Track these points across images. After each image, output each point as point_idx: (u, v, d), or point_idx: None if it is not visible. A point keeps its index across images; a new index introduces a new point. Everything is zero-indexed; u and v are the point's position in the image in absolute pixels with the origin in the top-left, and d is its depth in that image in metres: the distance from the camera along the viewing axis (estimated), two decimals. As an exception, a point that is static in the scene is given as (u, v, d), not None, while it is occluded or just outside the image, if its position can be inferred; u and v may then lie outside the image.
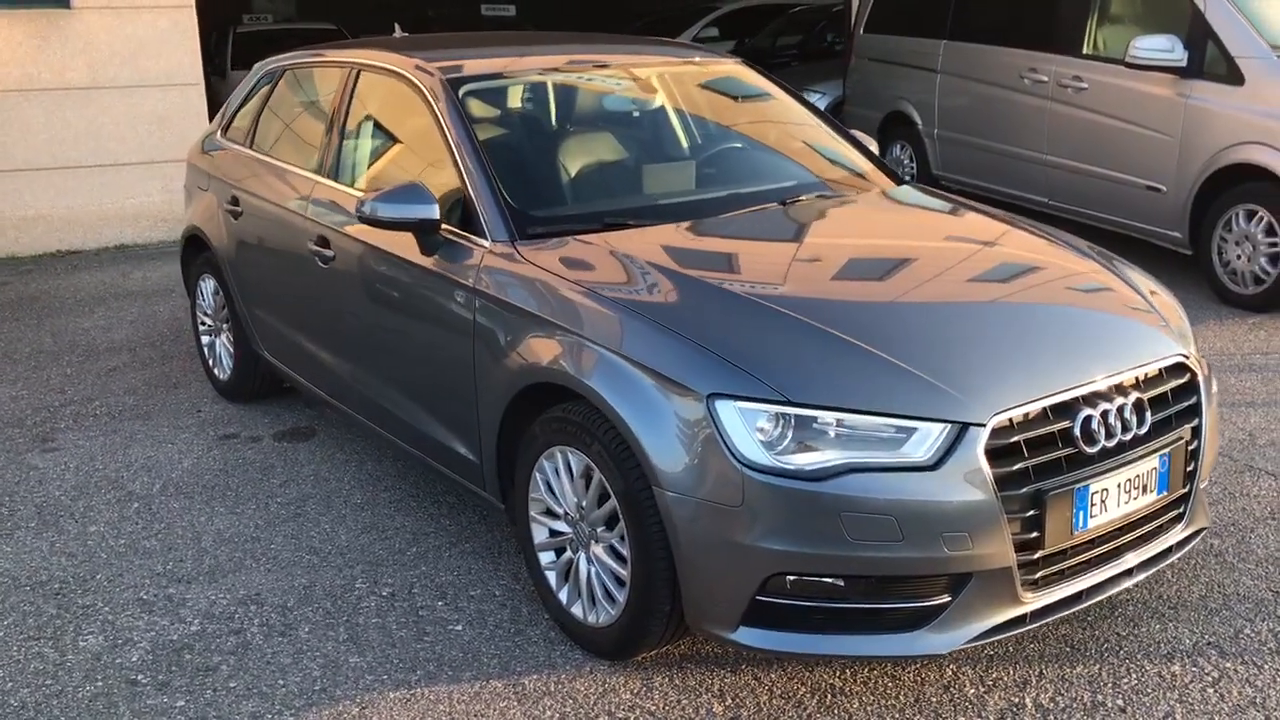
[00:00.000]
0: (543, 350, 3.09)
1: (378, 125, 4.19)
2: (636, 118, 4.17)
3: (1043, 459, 2.72)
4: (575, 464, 3.04)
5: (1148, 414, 2.91)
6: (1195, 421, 3.07)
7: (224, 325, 5.12)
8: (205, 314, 5.28)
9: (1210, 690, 2.94)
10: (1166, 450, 2.95)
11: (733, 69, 4.49)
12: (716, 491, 2.68)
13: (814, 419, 2.66)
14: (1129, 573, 2.96)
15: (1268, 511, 3.89)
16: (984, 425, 2.65)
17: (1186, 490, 3.07)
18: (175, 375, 5.62)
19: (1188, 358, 3.10)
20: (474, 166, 3.53)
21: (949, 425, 2.65)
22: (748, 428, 2.66)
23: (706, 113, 4.32)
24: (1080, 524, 2.77)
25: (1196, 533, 3.18)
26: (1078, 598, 2.86)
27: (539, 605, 3.39)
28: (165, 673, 3.14)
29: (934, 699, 2.93)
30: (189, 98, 8.53)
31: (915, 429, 2.65)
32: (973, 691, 2.96)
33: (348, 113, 4.22)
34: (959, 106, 8.38)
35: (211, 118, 8.62)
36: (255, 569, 3.70)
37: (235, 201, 4.77)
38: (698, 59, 4.52)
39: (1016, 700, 2.92)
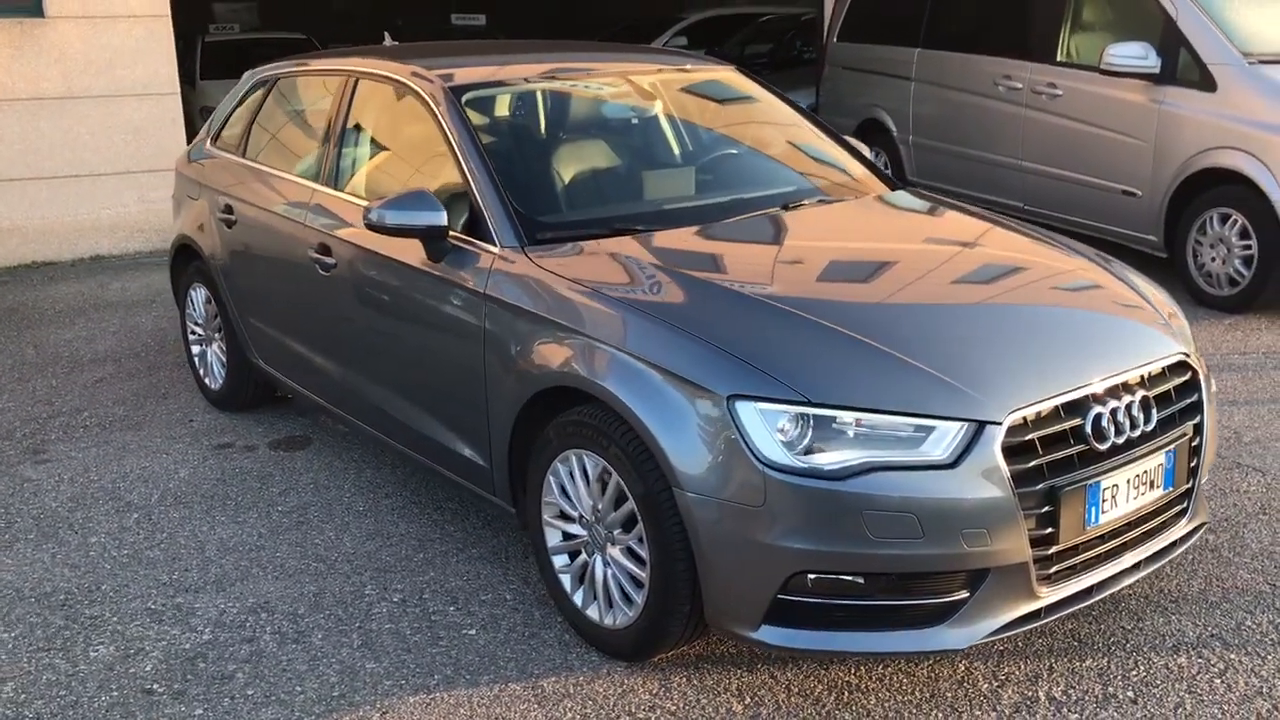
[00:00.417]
0: (557, 354, 3.11)
1: (378, 133, 4.20)
2: (636, 124, 4.21)
3: (1056, 456, 2.78)
4: (591, 467, 3.07)
5: (1154, 411, 2.98)
6: (1197, 419, 3.15)
7: (216, 335, 5.10)
8: (196, 324, 5.26)
9: (1217, 681, 3.00)
10: (1172, 446, 3.02)
11: (726, 75, 4.54)
12: (738, 492, 2.71)
13: (833, 419, 2.70)
14: (1136, 567, 3.03)
15: (1258, 507, 3.97)
16: (1000, 423, 2.71)
17: (1190, 486, 3.15)
18: (164, 386, 5.58)
19: (1189, 356, 3.17)
20: (480, 173, 3.55)
21: (966, 424, 2.70)
22: (768, 428, 2.70)
23: (704, 119, 4.37)
24: (1092, 519, 2.83)
25: (1198, 527, 3.25)
26: (1089, 592, 2.92)
27: (551, 609, 3.41)
28: (180, 682, 3.13)
29: (949, 694, 2.98)
30: (165, 107, 8.48)
31: (933, 428, 2.69)
32: (986, 686, 3.01)
33: (346, 121, 4.22)
34: (934, 114, 8.48)
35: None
36: (262, 577, 3.69)
37: (229, 210, 4.75)
38: (689, 65, 4.56)
39: (1030, 694, 2.97)
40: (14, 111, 8.12)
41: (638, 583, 3.00)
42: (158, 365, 5.91)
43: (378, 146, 4.20)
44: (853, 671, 3.08)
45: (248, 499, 4.28)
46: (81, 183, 8.38)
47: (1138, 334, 3.14)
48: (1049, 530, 2.76)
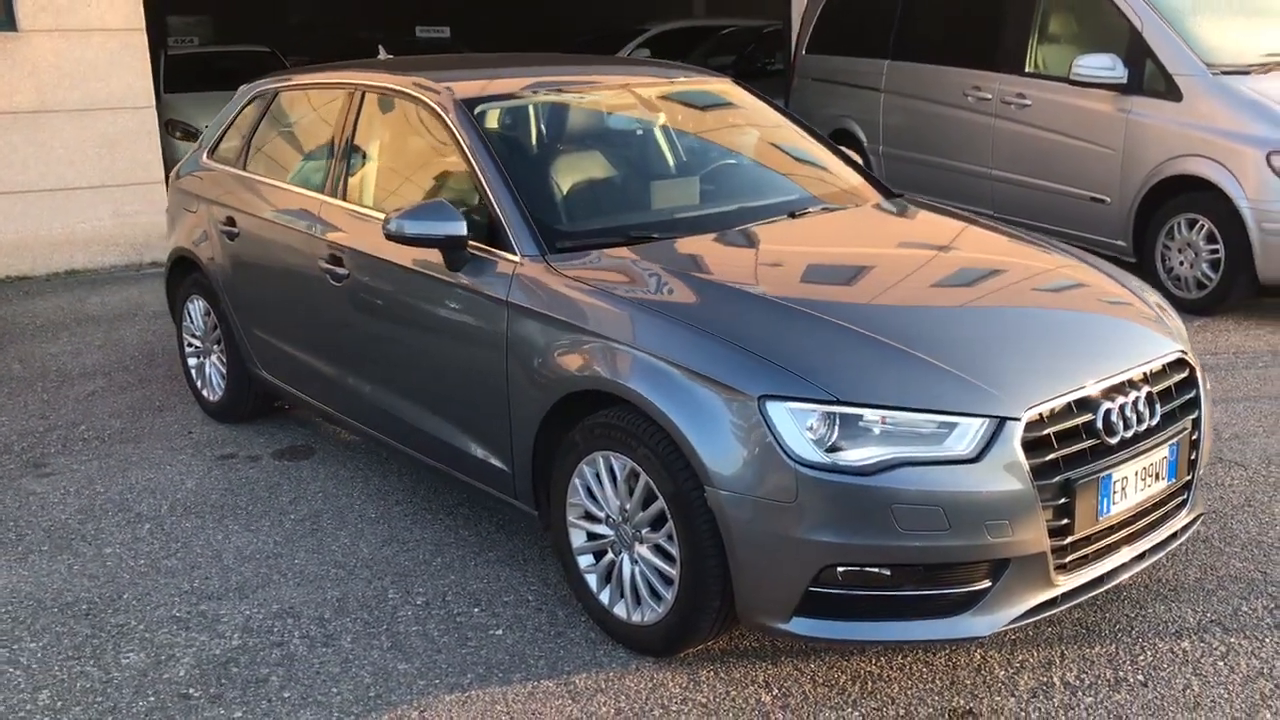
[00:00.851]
0: (585, 360, 3.20)
1: (388, 145, 4.27)
2: (642, 135, 4.31)
3: (1070, 450, 2.91)
4: (618, 468, 3.15)
5: (1157, 407, 3.12)
6: (1195, 414, 3.30)
7: (215, 346, 5.13)
8: (194, 335, 5.28)
9: (1221, 664, 3.15)
10: (1175, 440, 3.16)
11: (723, 87, 4.66)
12: (770, 489, 2.81)
13: (860, 417, 2.82)
14: (1142, 556, 3.17)
15: (1242, 499, 4.14)
16: (1019, 419, 2.83)
17: (1190, 478, 3.29)
18: (158, 398, 5.59)
19: (1186, 354, 3.33)
20: (497, 184, 3.63)
21: (988, 420, 2.82)
22: (798, 427, 2.81)
23: (706, 130, 4.48)
24: (1104, 510, 2.97)
25: (1197, 518, 3.40)
26: (1100, 580, 3.05)
27: (574, 608, 3.49)
28: (216, 686, 3.18)
29: (968, 681, 3.09)
30: (140, 120, 8.46)
31: (956, 424, 2.81)
32: (1002, 673, 3.13)
33: (355, 133, 4.29)
34: (904, 124, 8.66)
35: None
36: (283, 584, 3.74)
37: (231, 222, 4.79)
38: (688, 77, 4.68)
39: (1045, 679, 3.09)
40: (-13, 125, 8.08)
41: (667, 579, 3.09)
42: (149, 378, 5.91)
43: (388, 158, 4.26)
44: (874, 661, 3.19)
45: (258, 508, 4.32)
46: (56, 196, 8.34)
47: (1140, 334, 3.28)
48: (1065, 521, 2.88)
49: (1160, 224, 6.70)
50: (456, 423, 3.75)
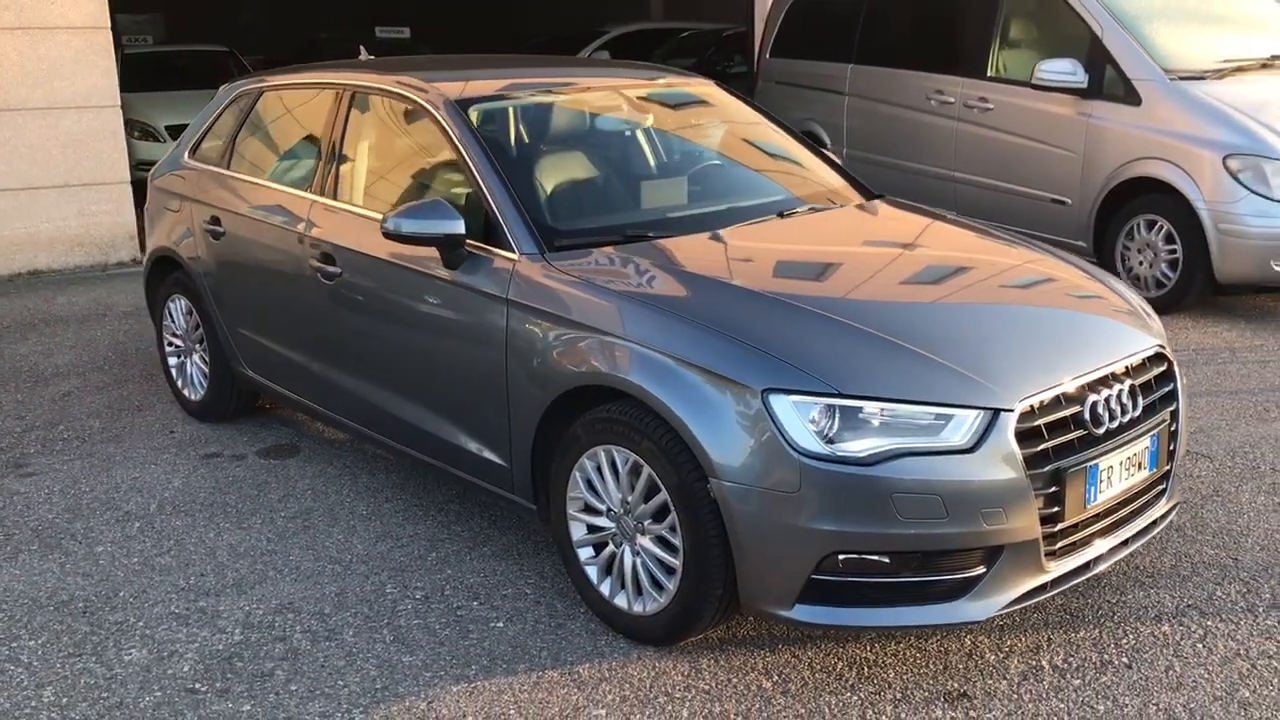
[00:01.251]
0: (587, 355, 3.26)
1: (379, 145, 4.30)
2: (630, 135, 4.38)
3: (1060, 440, 3.02)
4: (620, 461, 3.22)
5: (1140, 399, 3.24)
6: (1173, 406, 3.42)
7: (197, 345, 5.12)
8: (174, 335, 5.27)
9: (1200, 646, 3.27)
10: (1155, 431, 3.29)
11: (707, 90, 4.74)
12: (775, 479, 2.90)
13: (860, 409, 2.91)
14: (1125, 543, 3.29)
15: (1211, 489, 4.29)
16: (1013, 410, 2.94)
17: (1169, 468, 3.42)
18: (136, 398, 5.57)
19: (1164, 348, 3.46)
20: (494, 183, 3.69)
21: (983, 412, 2.92)
22: (801, 419, 2.89)
23: (692, 131, 4.56)
24: (1092, 498, 3.08)
25: (1174, 506, 3.53)
26: (1087, 567, 3.16)
27: (572, 600, 3.55)
28: (222, 680, 3.20)
29: (960, 665, 3.20)
30: (105, 120, 8.39)
31: (953, 416, 2.91)
32: (993, 658, 3.23)
33: (345, 133, 4.32)
34: (867, 127, 8.80)
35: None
36: (280, 580, 3.76)
37: (216, 221, 4.80)
38: (672, 79, 4.75)
39: (1034, 663, 3.20)
40: (-51, 124, 7.98)
41: (669, 570, 3.17)
42: (125, 378, 5.89)
43: (379, 158, 4.30)
44: (868, 649, 3.28)
45: (248, 506, 4.34)
46: (19, 196, 8.25)
47: (1122, 329, 3.41)
48: (1056, 509, 2.99)
49: (1120, 225, 6.88)
50: (452, 419, 3.79)
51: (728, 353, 3.02)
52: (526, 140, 4.15)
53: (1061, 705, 3.01)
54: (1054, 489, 2.98)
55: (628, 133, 4.40)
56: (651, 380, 3.08)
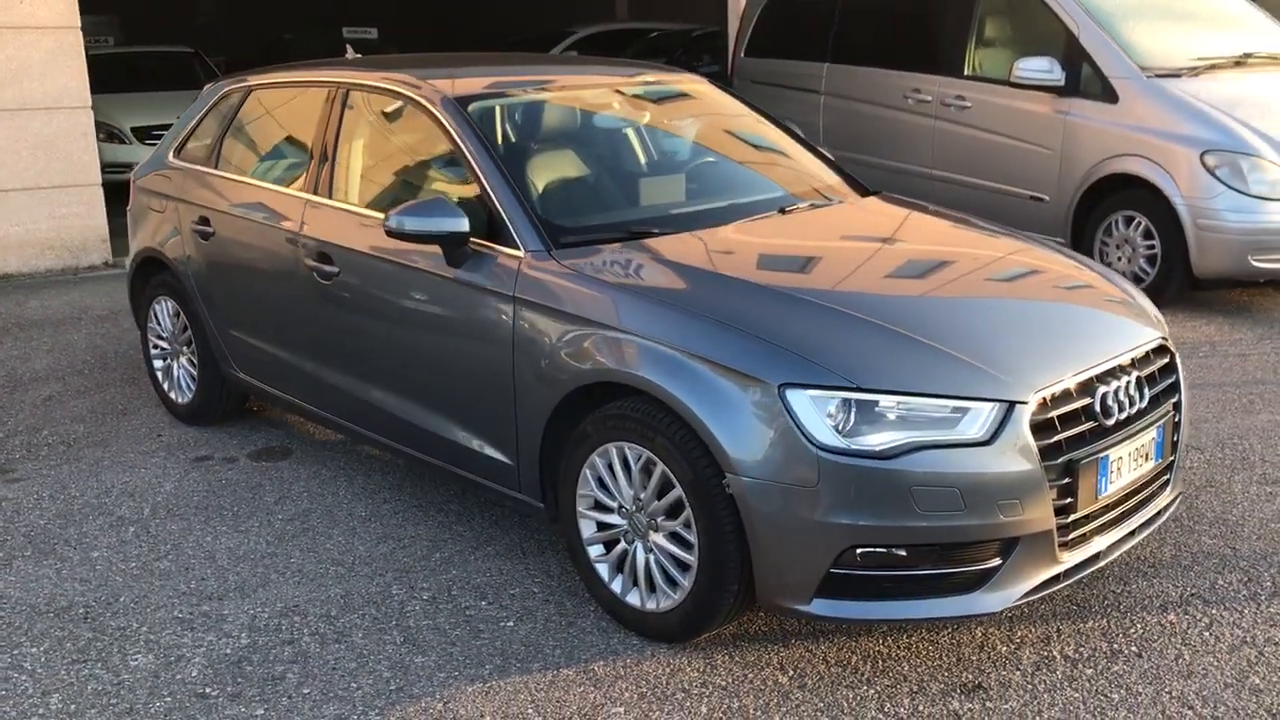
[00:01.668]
0: (598, 352, 3.25)
1: (376, 143, 4.27)
2: (629, 132, 4.38)
3: (1073, 432, 3.04)
4: (633, 458, 3.21)
5: (1146, 390, 3.27)
6: (1176, 397, 3.46)
7: (184, 348, 5.06)
8: (160, 337, 5.20)
9: (1206, 634, 3.31)
10: (1161, 422, 3.32)
11: (701, 87, 4.74)
12: (793, 474, 2.90)
13: (876, 403, 2.92)
14: (1132, 534, 3.32)
15: (1204, 480, 4.34)
16: (1027, 403, 2.96)
17: (1173, 459, 3.46)
18: (119, 402, 5.50)
19: (1166, 340, 3.49)
20: (497, 180, 3.67)
21: (998, 404, 2.94)
22: (819, 413, 2.90)
23: (689, 127, 4.56)
24: (1103, 489, 3.11)
25: (1177, 496, 3.57)
26: (1097, 557, 3.19)
27: (582, 598, 3.53)
28: (232, 684, 3.16)
29: (973, 657, 3.21)
30: (76, 121, 8.27)
31: (969, 408, 2.93)
32: (1004, 649, 3.25)
33: (340, 131, 4.27)
34: (844, 126, 8.83)
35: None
36: (283, 582, 3.72)
37: (205, 221, 4.74)
38: (654, 77, 4.74)
39: (1045, 653, 3.23)
40: (-85, 126, 7.83)
41: (683, 566, 3.16)
42: (106, 382, 5.80)
43: (376, 156, 4.26)
44: (882, 642, 3.29)
45: (244, 509, 4.29)
46: (-12, 199, 8.12)
47: (1127, 322, 3.44)
48: (1069, 500, 3.02)
49: (1098, 221, 6.96)
50: (455, 418, 3.77)
51: (744, 348, 3.02)
52: (526, 137, 4.13)
53: (1076, 695, 3.04)
54: (1067, 480, 3.01)
55: (628, 130, 4.39)
56: (666, 376, 3.08)
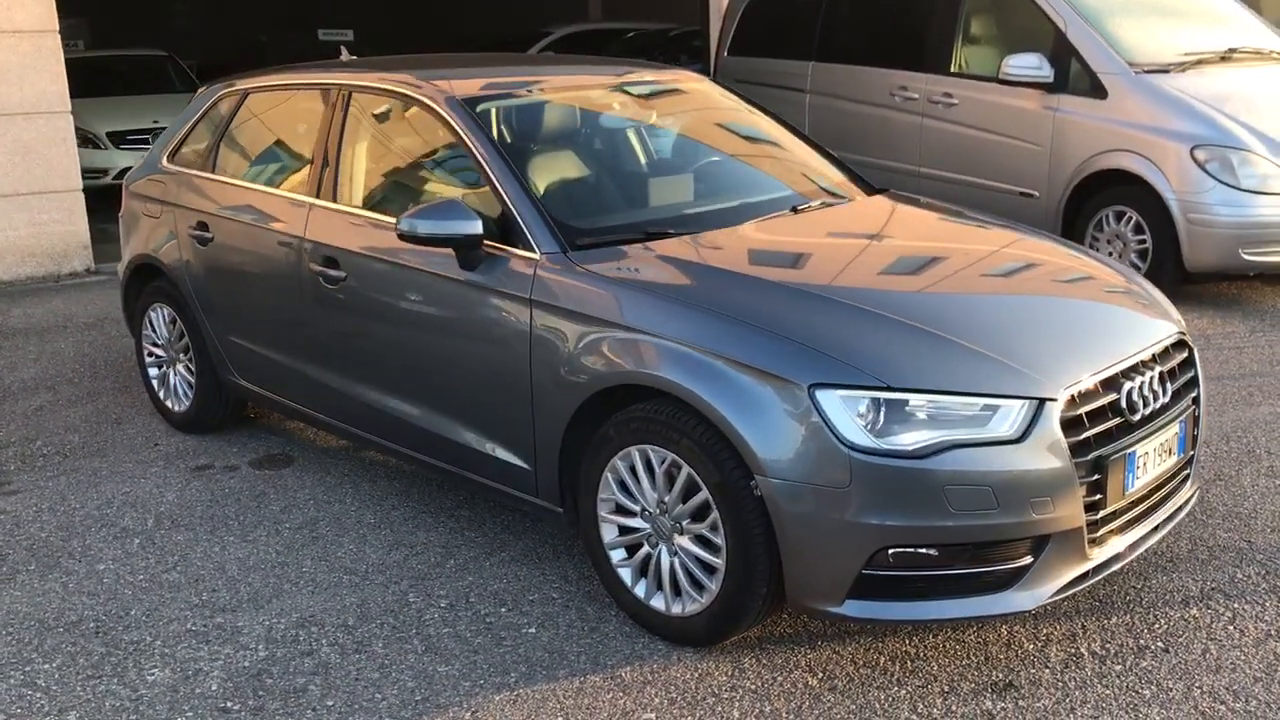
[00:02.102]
0: (621, 354, 3.21)
1: (381, 145, 4.21)
2: (638, 132, 4.34)
3: (1101, 429, 3.04)
4: (657, 461, 3.18)
5: (1168, 385, 3.27)
6: (1195, 391, 3.47)
7: (181, 355, 4.98)
8: (156, 345, 5.12)
9: (1231, 628, 3.31)
10: (1183, 417, 3.33)
11: (703, 86, 4.71)
12: (824, 475, 2.87)
13: (906, 402, 2.90)
14: (1156, 529, 3.32)
15: (1212, 474, 4.35)
16: (1057, 400, 2.95)
17: (1193, 453, 3.46)
18: (113, 411, 5.41)
19: (1185, 335, 3.50)
20: (509, 182, 3.62)
21: (1029, 401, 2.93)
22: (850, 413, 2.88)
23: (696, 127, 4.53)
24: (1130, 485, 3.10)
25: (1196, 491, 3.57)
26: (1123, 554, 3.18)
27: (603, 604, 3.50)
28: (254, 698, 3.10)
29: (1000, 656, 3.20)
30: (55, 126, 8.14)
31: (999, 406, 2.91)
32: (1031, 647, 3.24)
33: (343, 134, 4.21)
34: (830, 124, 8.81)
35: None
36: (296, 593, 3.66)
37: (203, 226, 4.67)
38: (668, 76, 4.72)
39: (1072, 650, 3.22)
40: (-109, 132, 7.69)
41: (709, 569, 3.13)
42: (97, 391, 5.71)
43: (381, 159, 4.21)
44: (908, 642, 3.27)
45: (250, 518, 4.22)
46: (-35, 206, 7.98)
47: (1144, 318, 3.45)
48: (1098, 496, 3.01)
49: (1089, 217, 6.98)
50: (468, 422, 3.72)
51: (771, 348, 2.99)
52: (535, 137, 4.09)
53: (1107, 691, 3.03)
54: (1096, 476, 3.00)
55: (635, 130, 4.36)
56: (692, 378, 3.04)
